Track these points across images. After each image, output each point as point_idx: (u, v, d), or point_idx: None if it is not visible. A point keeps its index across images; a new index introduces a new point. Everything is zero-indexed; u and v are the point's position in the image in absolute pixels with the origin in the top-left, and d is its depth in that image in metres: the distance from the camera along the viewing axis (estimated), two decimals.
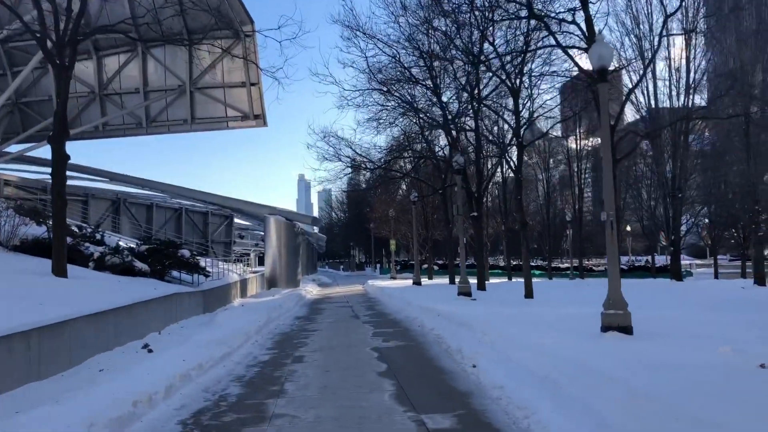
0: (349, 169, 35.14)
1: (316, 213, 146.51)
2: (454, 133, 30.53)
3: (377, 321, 19.19)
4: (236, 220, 54.57)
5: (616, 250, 12.50)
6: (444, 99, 30.09)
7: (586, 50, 16.71)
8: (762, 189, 32.81)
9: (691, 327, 13.54)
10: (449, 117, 29.67)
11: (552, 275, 56.19)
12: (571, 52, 19.25)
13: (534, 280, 51.50)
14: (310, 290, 37.90)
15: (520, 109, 23.74)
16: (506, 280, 45.63)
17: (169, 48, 33.04)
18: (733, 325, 13.93)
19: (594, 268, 63.62)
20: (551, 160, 57.02)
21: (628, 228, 65.44)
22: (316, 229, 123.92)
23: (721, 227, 51.34)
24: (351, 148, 34.64)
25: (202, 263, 23.62)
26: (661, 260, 72.99)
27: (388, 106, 31.36)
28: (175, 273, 21.81)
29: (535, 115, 25.66)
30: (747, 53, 32.13)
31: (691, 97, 37.18)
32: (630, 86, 36.03)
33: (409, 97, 30.67)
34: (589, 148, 54.49)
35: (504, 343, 11.54)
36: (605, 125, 12.86)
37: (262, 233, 40.53)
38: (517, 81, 23.70)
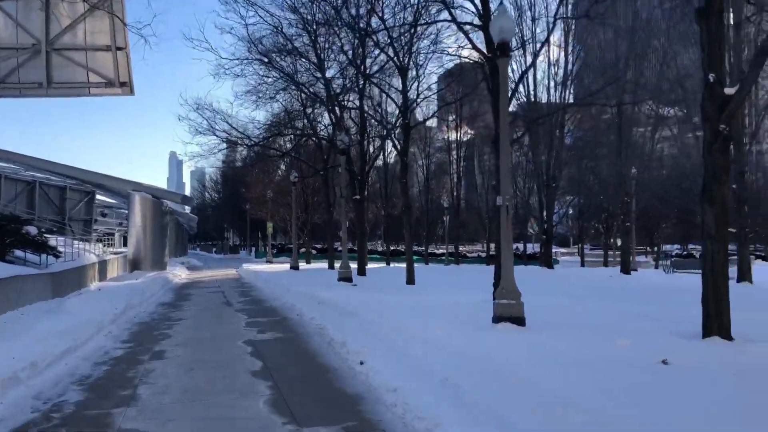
0: (224, 145, 32.89)
1: (188, 193, 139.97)
2: (338, 111, 29.24)
3: (252, 309, 17.64)
4: (99, 197, 50.20)
5: (510, 236, 11.82)
6: (328, 75, 28.71)
7: (480, 27, 16.00)
8: (630, 182, 34.24)
9: (580, 317, 13.22)
10: (333, 93, 28.36)
11: (428, 261, 56.59)
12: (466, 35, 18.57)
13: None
14: (179, 274, 35.41)
15: (408, 89, 22.87)
16: (385, 265, 45.16)
17: (23, 1, 29.36)
18: (617, 315, 13.77)
19: (468, 254, 64.92)
20: (428, 149, 57.11)
21: None
22: (187, 209, 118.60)
23: (588, 217, 53.89)
24: (227, 122, 32.42)
25: (53, 242, 20.92)
26: (530, 248, 76.02)
27: (268, 78, 29.53)
28: (19, 253, 19.09)
29: (422, 97, 24.95)
30: (623, 47, 33.16)
31: (568, 88, 38.16)
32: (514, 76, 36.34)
33: (291, 70, 28.98)
34: (470, 137, 55.07)
35: (393, 335, 10.52)
36: (504, 104, 12.12)
37: (127, 212, 37.32)
38: (406, 59, 22.80)
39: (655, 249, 63.57)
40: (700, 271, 31.87)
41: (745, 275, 25.10)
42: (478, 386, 6.80)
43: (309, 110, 33.89)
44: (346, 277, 23.97)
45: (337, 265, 38.67)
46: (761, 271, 37.81)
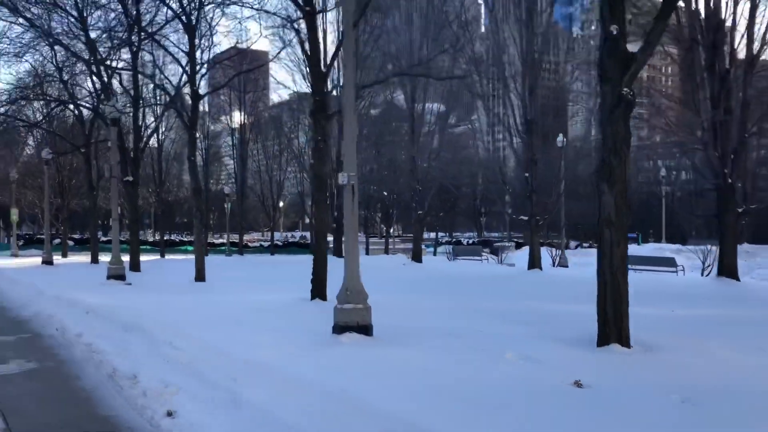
0: None
1: None
2: (105, 75, 24.40)
3: None
4: None
5: (356, 223, 9.43)
6: (93, 34, 23.78)
7: None
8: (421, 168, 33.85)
9: (431, 318, 11.32)
10: (101, 56, 23.60)
11: (207, 251, 52.33)
12: None
13: (186, 256, 47.24)
14: None
15: (197, 49, 19.35)
16: (159, 257, 40.35)
17: None
18: (471, 313, 12.13)
19: (249, 243, 61.48)
20: (207, 130, 52.72)
21: (281, 204, 64.71)
22: None
23: (373, 206, 53.80)
24: None
25: None
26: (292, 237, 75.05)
27: (12, 31, 23.72)
28: None
29: (211, 61, 21.38)
30: (415, 32, 32.52)
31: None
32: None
33: (44, 23, 23.53)
34: (251, 120, 51.67)
35: (206, 359, 7.60)
36: (351, 66, 9.66)
37: None
38: (195, 16, 19.22)
39: (434, 237, 65.92)
40: (478, 257, 32.40)
41: (534, 262, 25.56)
42: None
43: (66, 75, 28.27)
44: (117, 275, 19.89)
45: (102, 258, 33.38)
46: None
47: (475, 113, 40.25)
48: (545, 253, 45.31)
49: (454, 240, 66.74)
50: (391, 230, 63.59)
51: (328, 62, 14.21)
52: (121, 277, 19.87)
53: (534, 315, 11.88)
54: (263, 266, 29.79)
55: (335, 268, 23.52)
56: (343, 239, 9.52)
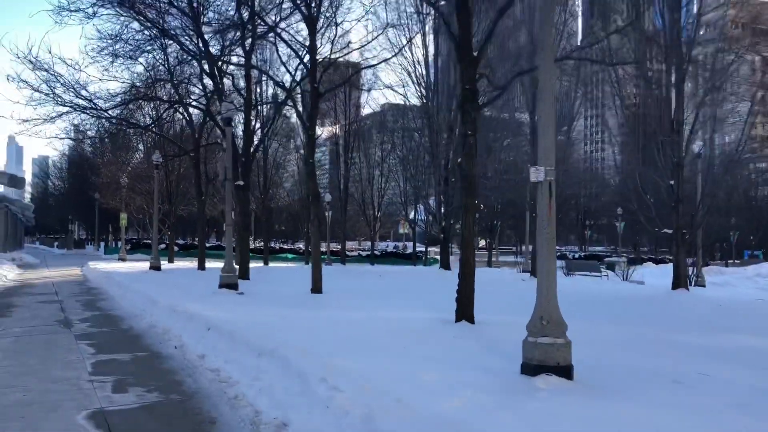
0: (75, 114, 25.77)
1: (29, 182, 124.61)
2: (217, 73, 23.41)
3: (102, 334, 12.00)
4: None
5: (554, 231, 7.32)
6: (208, 30, 22.87)
7: None
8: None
9: (614, 353, 9.08)
10: (218, 53, 22.69)
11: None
12: None
13: (288, 264, 46.55)
14: (4, 273, 28.02)
15: (318, 44, 17.91)
16: (262, 264, 39.64)
17: None
18: (652, 346, 9.79)
19: (348, 253, 60.43)
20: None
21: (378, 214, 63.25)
22: (27, 197, 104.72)
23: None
24: (73, 89, 25.47)
25: None
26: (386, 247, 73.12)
27: (128, 29, 23.18)
28: None
29: (337, 55, 19.86)
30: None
31: None
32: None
33: (159, 23, 22.81)
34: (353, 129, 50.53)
35: (381, 407, 5.72)
36: (548, 28, 7.66)
37: None
38: (314, 5, 17.74)
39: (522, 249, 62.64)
40: (598, 274, 29.21)
41: (680, 281, 22.65)
42: None
43: (178, 77, 27.78)
44: (230, 283, 18.63)
45: (210, 265, 32.81)
46: (660, 272, 36.64)
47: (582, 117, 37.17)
48: (661, 270, 41.66)
49: (558, 254, 63.21)
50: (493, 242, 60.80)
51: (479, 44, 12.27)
52: (233, 287, 18.62)
53: (749, 352, 9.45)
54: (369, 276, 28.15)
55: (448, 282, 21.59)
56: (538, 255, 7.41)
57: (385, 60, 24.72)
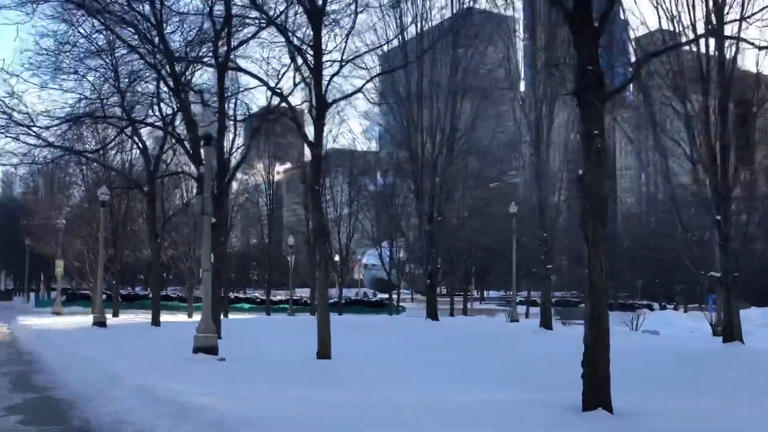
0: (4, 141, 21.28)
1: None
2: (182, 90, 19.41)
3: None
4: None
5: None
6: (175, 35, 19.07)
7: None
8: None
9: None
10: (182, 67, 18.82)
11: (270, 311, 47.04)
12: None
13: (248, 315, 41.88)
14: None
15: (324, 47, 14.22)
16: (222, 317, 34.85)
17: None
18: None
19: (307, 301, 55.79)
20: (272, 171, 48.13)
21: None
22: None
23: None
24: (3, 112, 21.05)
25: None
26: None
27: (76, 34, 19.16)
28: None
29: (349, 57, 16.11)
30: None
31: None
32: None
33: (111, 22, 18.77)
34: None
35: None
36: None
37: None
38: None
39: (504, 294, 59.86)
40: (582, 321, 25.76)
41: (733, 332, 19.60)
42: None
43: (130, 97, 23.68)
44: (207, 346, 14.45)
45: (170, 318, 28.20)
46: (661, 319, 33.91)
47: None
48: (665, 316, 39.00)
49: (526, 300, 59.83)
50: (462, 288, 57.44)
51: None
52: (212, 350, 14.44)
53: None
54: (363, 330, 24.00)
55: (459, 338, 17.64)
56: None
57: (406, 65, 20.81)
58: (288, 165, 48.53)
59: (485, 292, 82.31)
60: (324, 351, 13.65)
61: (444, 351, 16.61)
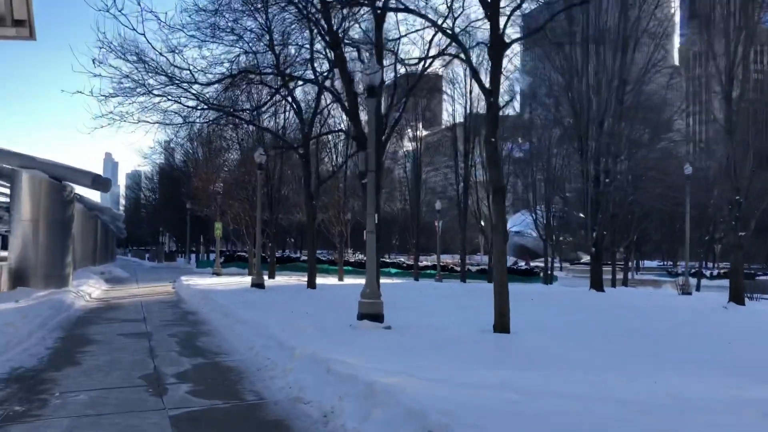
0: (164, 103, 21.54)
1: (123, 196, 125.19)
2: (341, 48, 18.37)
3: (217, 417, 6.95)
4: None
5: None
6: None
7: None
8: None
9: None
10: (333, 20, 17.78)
11: (418, 276, 46.34)
12: None
13: (395, 280, 41.21)
14: (88, 291, 24.00)
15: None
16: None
17: None
18: None
19: (454, 267, 54.61)
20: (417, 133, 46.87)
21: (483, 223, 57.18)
22: (119, 209, 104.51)
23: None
24: (166, 74, 21.24)
25: None
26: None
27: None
28: None
29: None
30: None
31: None
32: None
33: None
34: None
35: None
36: None
37: (10, 199, 25.33)
38: None
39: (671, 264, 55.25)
40: None
41: None
42: None
43: (283, 59, 23.10)
44: (373, 313, 13.49)
45: (322, 281, 27.94)
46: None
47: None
48: None
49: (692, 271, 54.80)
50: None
51: None
52: (378, 318, 13.47)
53: None
54: (526, 301, 22.18)
55: (637, 312, 15.33)
56: None
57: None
58: (434, 129, 46.95)
59: (641, 262, 77.20)
60: (503, 324, 12.16)
61: (632, 329, 14.57)
